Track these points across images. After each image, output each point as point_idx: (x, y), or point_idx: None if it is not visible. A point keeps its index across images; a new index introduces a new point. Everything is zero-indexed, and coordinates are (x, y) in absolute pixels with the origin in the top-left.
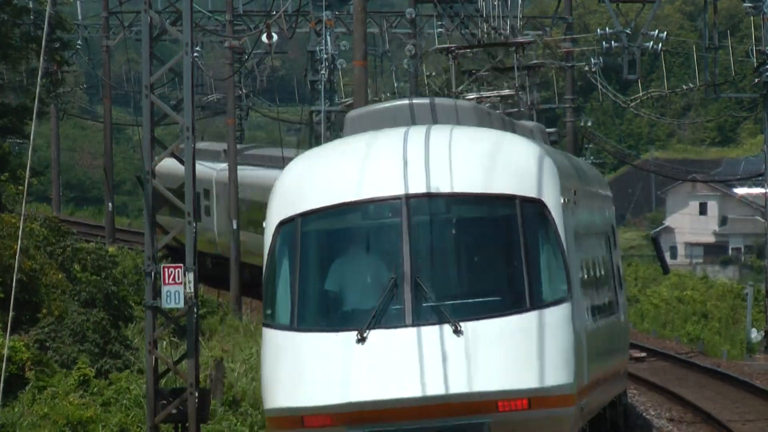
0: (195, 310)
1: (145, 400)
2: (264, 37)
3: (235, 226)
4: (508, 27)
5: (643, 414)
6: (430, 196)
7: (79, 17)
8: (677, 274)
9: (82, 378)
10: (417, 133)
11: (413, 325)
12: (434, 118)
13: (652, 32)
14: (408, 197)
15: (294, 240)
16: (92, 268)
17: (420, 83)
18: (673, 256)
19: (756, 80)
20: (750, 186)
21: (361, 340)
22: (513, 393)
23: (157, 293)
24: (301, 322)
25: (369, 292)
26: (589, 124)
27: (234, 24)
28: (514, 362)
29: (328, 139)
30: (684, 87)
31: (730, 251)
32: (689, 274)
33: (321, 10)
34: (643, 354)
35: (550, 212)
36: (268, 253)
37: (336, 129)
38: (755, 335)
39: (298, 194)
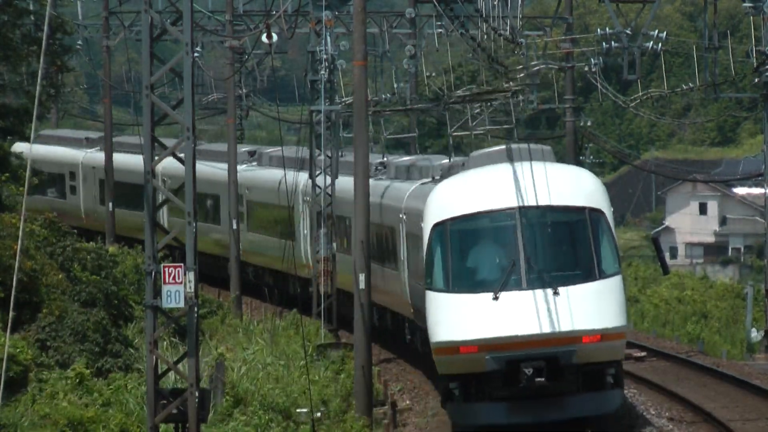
0: (195, 309)
1: (146, 400)
2: (264, 37)
3: (235, 226)
4: (508, 27)
5: (643, 413)
6: (533, 207)
7: (80, 17)
8: (677, 274)
9: (81, 378)
10: (523, 167)
11: (528, 289)
12: (530, 156)
13: (652, 32)
14: (520, 208)
15: (445, 235)
16: (92, 267)
17: (420, 83)
18: (673, 256)
19: (756, 80)
20: (750, 186)
21: (496, 298)
22: (592, 331)
23: (157, 293)
24: (453, 287)
25: (497, 269)
26: (589, 124)
27: (234, 24)
28: (591, 312)
29: (327, 139)
30: (684, 87)
31: (730, 251)
32: (689, 274)
33: (321, 10)
34: (643, 353)
35: (606, 217)
36: (427, 244)
37: (336, 129)
38: (755, 335)
39: (447, 205)
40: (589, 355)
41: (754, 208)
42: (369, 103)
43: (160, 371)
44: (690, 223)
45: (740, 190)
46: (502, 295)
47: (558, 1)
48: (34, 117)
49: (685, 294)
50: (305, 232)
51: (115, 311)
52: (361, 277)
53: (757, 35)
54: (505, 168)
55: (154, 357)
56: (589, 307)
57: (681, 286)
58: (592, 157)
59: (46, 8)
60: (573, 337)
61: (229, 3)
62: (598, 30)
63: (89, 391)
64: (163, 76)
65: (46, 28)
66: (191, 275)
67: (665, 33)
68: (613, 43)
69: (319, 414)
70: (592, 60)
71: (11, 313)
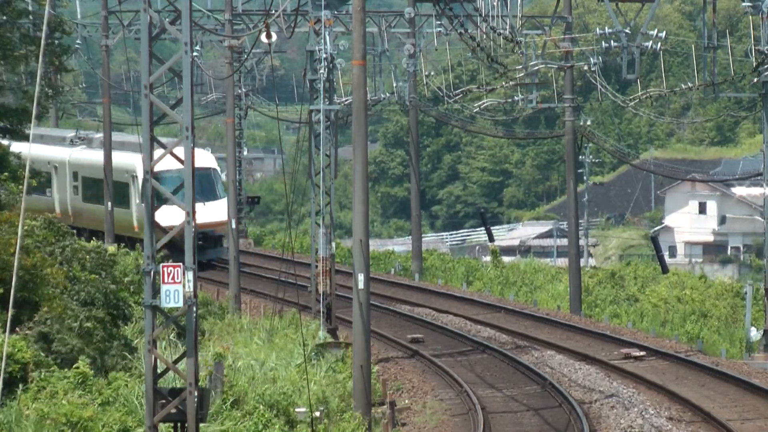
0: (194, 309)
1: (145, 400)
2: (263, 37)
3: (234, 225)
4: (507, 26)
5: (642, 413)
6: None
7: (78, 16)
8: (676, 274)
9: (81, 378)
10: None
11: (198, 203)
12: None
13: (652, 32)
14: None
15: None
16: (92, 267)
17: (419, 82)
18: (672, 255)
19: (755, 80)
20: (749, 185)
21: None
22: (219, 222)
23: (156, 292)
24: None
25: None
26: (588, 123)
27: (233, 23)
28: (218, 213)
29: (327, 139)
30: (683, 86)
31: (729, 250)
32: (688, 273)
33: (320, 9)
34: (642, 353)
35: (218, 172)
36: (143, 183)
37: (334, 128)
38: (754, 334)
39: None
40: (217, 231)
41: (753, 208)
42: (368, 102)
43: (159, 371)
44: (689, 222)
45: (739, 190)
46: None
47: (557, 1)
48: (33, 117)
49: (684, 293)
50: (137, 201)
51: (114, 311)
52: (360, 277)
53: (756, 35)
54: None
55: (153, 356)
56: (217, 211)
57: (680, 285)
58: (591, 156)
59: (44, 8)
60: (214, 223)
61: (228, 2)
62: (598, 29)
63: (89, 390)
64: (161, 76)
65: (44, 27)
66: (190, 275)
67: (664, 32)
68: (612, 42)
69: (317, 413)
70: (592, 59)
71: (10, 311)
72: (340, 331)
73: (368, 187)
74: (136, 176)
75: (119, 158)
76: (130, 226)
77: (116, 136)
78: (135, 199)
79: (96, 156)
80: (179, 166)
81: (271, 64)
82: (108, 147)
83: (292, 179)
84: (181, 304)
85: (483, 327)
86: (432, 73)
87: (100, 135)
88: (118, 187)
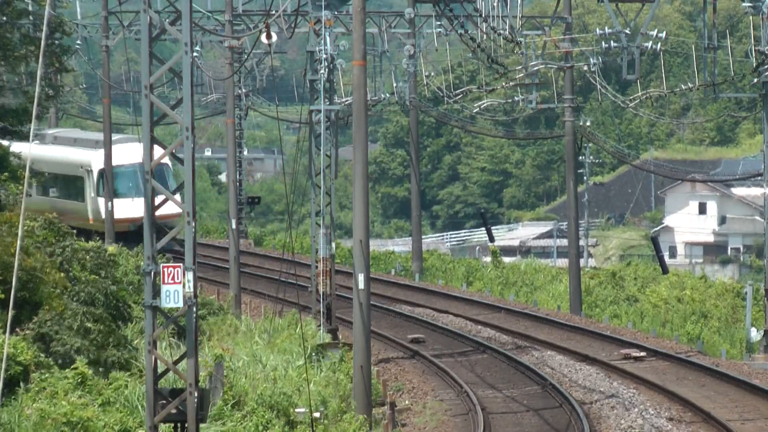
0: (194, 309)
1: (145, 400)
2: (263, 37)
3: (234, 225)
4: (507, 27)
5: (643, 413)
6: (139, 163)
7: (78, 17)
8: (676, 274)
9: (82, 378)
10: (136, 145)
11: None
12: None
13: (652, 32)
14: (138, 163)
15: (104, 175)
16: (92, 267)
17: (419, 83)
18: (673, 255)
19: (755, 80)
20: (749, 186)
21: (132, 199)
22: (172, 214)
23: (156, 293)
24: (113, 195)
25: (129, 189)
26: (588, 123)
27: (233, 23)
28: (171, 206)
29: (327, 140)
30: (683, 87)
31: (729, 251)
32: (688, 273)
33: (320, 9)
34: (643, 353)
35: (169, 167)
36: (97, 178)
37: (334, 128)
38: (755, 334)
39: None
40: (170, 224)
41: (753, 208)
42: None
43: (159, 371)
44: (689, 222)
45: (739, 191)
46: (134, 199)
47: (557, 1)
48: (33, 117)
49: (685, 293)
50: (92, 195)
51: (114, 311)
52: (360, 277)
53: (756, 35)
54: (131, 145)
55: (154, 357)
56: (169, 203)
57: (680, 286)
58: (591, 156)
59: (44, 8)
60: (166, 215)
61: (229, 3)
62: (597, 30)
63: (89, 390)
64: (162, 76)
65: (44, 28)
66: (190, 275)
67: (664, 33)
68: (612, 42)
69: (318, 414)
70: (592, 60)
71: (10, 312)
72: (340, 332)
73: (368, 188)
74: (92, 171)
75: (75, 154)
76: (85, 219)
77: (71, 133)
78: (90, 193)
79: (47, 151)
80: (132, 161)
81: (271, 65)
82: (108, 146)
83: (293, 179)
84: (181, 304)
85: (483, 327)
86: (432, 74)
87: (51, 131)
88: (74, 181)
